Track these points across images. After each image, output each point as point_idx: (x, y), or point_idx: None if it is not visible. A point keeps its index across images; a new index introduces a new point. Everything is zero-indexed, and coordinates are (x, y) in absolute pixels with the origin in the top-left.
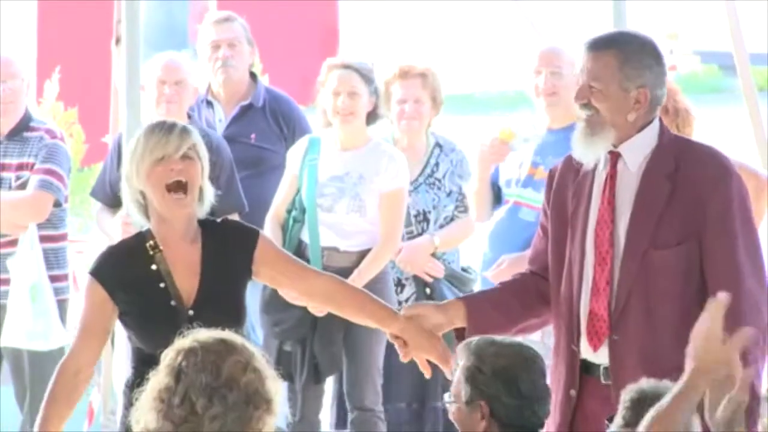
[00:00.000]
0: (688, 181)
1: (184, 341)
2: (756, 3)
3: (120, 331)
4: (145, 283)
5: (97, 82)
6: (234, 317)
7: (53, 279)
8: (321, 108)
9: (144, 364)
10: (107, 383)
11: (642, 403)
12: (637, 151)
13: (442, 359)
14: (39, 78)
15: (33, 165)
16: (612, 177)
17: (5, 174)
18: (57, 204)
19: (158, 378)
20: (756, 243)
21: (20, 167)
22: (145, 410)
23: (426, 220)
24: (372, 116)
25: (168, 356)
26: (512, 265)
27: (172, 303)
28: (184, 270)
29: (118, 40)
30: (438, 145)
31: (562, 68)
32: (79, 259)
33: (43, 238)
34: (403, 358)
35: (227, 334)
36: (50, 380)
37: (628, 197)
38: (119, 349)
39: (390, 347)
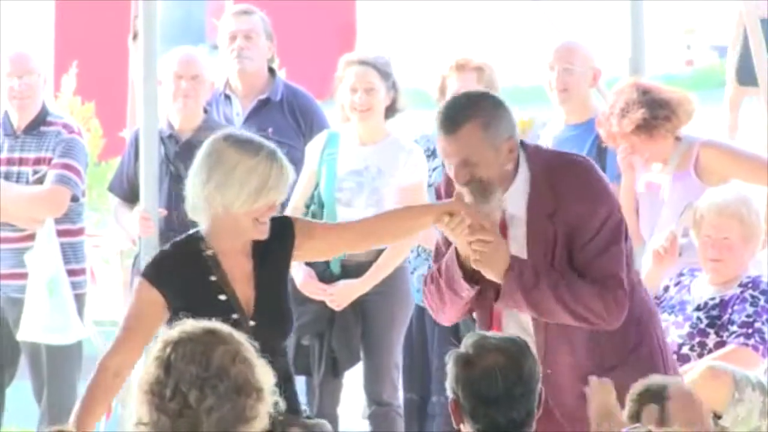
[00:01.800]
0: (566, 219)
1: (172, 332)
2: None
3: None
4: (204, 294)
5: (114, 76)
6: (289, 322)
7: (71, 273)
8: (339, 103)
9: None
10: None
11: (644, 396)
12: (518, 195)
13: (489, 217)
14: (56, 72)
15: (50, 159)
16: (503, 226)
17: (23, 168)
18: (74, 198)
19: (148, 370)
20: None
21: (38, 162)
22: (137, 403)
23: None
24: (390, 110)
25: (156, 348)
26: None
27: (234, 316)
28: (240, 281)
29: (135, 36)
30: None
31: (574, 64)
32: (96, 254)
33: (61, 233)
34: (451, 231)
35: (215, 324)
36: (88, 378)
37: (520, 239)
38: None
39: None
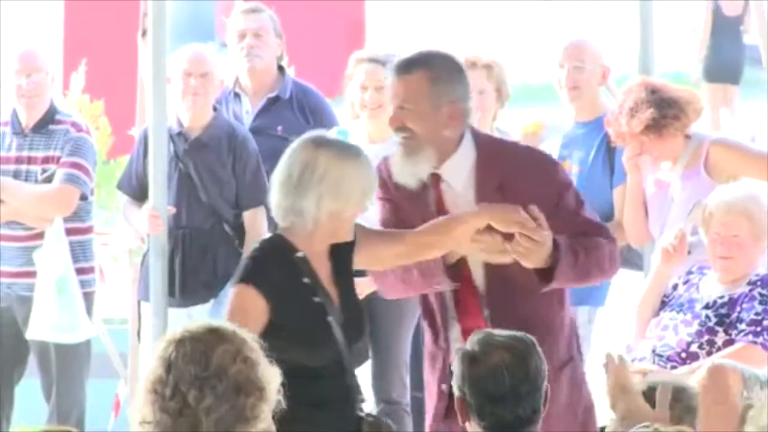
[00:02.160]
0: (516, 189)
1: (176, 331)
2: None
3: (147, 322)
4: (300, 297)
5: (123, 74)
6: (366, 320)
7: (79, 272)
8: (349, 101)
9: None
10: (134, 375)
11: (650, 393)
12: (458, 169)
13: (524, 218)
14: (65, 70)
15: (59, 158)
16: (439, 199)
17: (32, 167)
18: (83, 197)
19: (152, 369)
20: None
21: (46, 160)
22: (142, 402)
23: None
24: None
25: (160, 347)
26: None
27: (329, 318)
28: (326, 283)
29: (144, 33)
30: None
31: (584, 62)
32: (105, 252)
33: (70, 231)
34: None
35: (219, 323)
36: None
37: None
38: (145, 341)
39: None
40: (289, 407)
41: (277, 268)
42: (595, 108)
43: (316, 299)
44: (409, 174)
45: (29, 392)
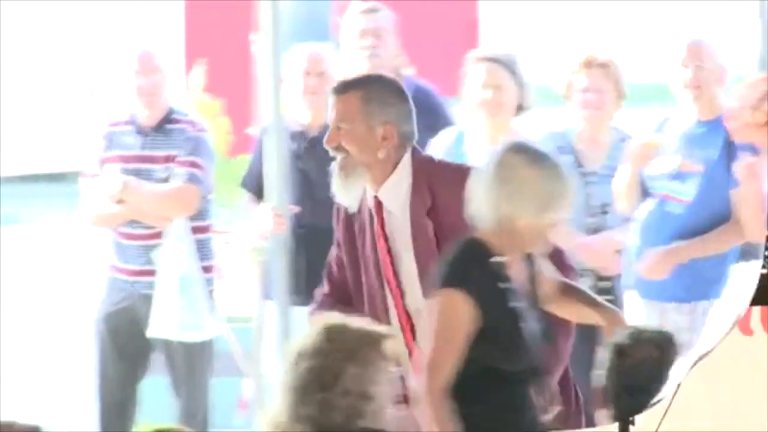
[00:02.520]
0: (445, 209)
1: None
2: None
3: (270, 320)
4: (500, 301)
5: (243, 73)
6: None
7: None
8: (466, 101)
9: (495, 379)
10: (259, 374)
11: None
12: (394, 193)
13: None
14: (187, 70)
15: (179, 157)
16: (381, 223)
17: (152, 166)
18: (202, 196)
19: None
20: None
21: (166, 159)
22: None
23: (604, 212)
24: (518, 108)
25: None
26: (659, 260)
27: (525, 323)
28: (521, 287)
29: (260, 33)
30: (621, 139)
31: (704, 61)
32: (227, 250)
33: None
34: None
35: (340, 322)
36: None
37: (403, 239)
38: (269, 340)
39: None
40: (488, 411)
41: (478, 271)
42: (714, 107)
43: (514, 304)
44: (344, 194)
45: (155, 390)
